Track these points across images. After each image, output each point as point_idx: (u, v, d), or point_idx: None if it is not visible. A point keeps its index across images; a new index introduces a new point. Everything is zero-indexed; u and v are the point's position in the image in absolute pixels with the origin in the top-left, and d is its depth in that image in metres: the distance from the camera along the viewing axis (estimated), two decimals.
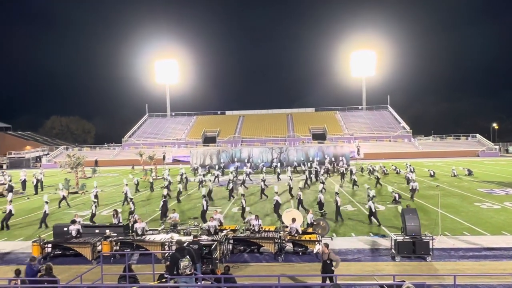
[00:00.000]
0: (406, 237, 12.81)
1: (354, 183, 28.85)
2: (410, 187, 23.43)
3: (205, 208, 18.53)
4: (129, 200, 21.89)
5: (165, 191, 21.83)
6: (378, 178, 29.96)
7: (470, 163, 45.55)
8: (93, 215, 19.16)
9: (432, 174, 34.57)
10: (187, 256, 8.96)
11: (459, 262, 12.36)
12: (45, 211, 18.75)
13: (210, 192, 24.41)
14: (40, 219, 18.93)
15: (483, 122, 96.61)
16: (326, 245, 10.20)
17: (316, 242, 13.06)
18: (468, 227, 16.59)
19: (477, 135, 66.75)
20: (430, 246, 12.60)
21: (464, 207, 20.68)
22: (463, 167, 36.71)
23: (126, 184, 24.24)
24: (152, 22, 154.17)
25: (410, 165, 37.28)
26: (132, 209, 19.35)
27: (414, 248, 12.61)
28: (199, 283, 9.50)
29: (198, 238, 12.53)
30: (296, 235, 13.69)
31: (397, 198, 21.57)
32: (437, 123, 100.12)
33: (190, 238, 12.57)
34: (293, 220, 14.08)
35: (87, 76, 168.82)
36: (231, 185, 25.34)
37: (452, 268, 11.72)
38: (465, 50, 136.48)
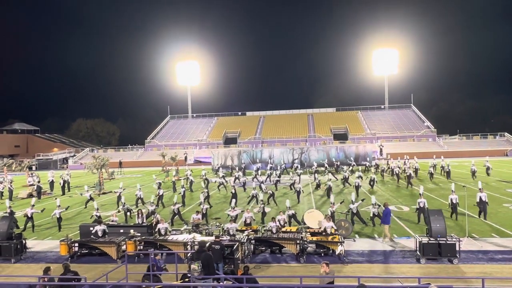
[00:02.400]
0: (431, 239, 12.53)
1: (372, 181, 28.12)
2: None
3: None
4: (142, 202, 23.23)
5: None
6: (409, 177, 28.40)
7: (498, 162, 44.03)
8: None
9: (447, 169, 31.86)
10: (199, 261, 9.06)
11: (488, 265, 11.97)
12: (55, 214, 18.54)
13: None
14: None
15: None
16: (327, 264, 9.35)
17: (339, 243, 12.96)
18: (497, 229, 16.06)
19: (506, 133, 64.48)
20: (457, 248, 12.26)
21: (492, 208, 19.99)
22: (484, 165, 33.26)
23: (139, 188, 24.49)
24: (173, 24, 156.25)
25: (443, 159, 35.85)
26: (153, 209, 19.39)
27: (439, 250, 12.30)
28: (221, 283, 9.56)
29: (220, 238, 12.62)
30: (328, 234, 13.64)
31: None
32: (463, 121, 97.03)
33: (212, 238, 12.69)
34: (328, 218, 14.17)
35: (111, 79, 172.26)
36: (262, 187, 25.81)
37: (480, 271, 11.36)
38: (493, 46, 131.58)
